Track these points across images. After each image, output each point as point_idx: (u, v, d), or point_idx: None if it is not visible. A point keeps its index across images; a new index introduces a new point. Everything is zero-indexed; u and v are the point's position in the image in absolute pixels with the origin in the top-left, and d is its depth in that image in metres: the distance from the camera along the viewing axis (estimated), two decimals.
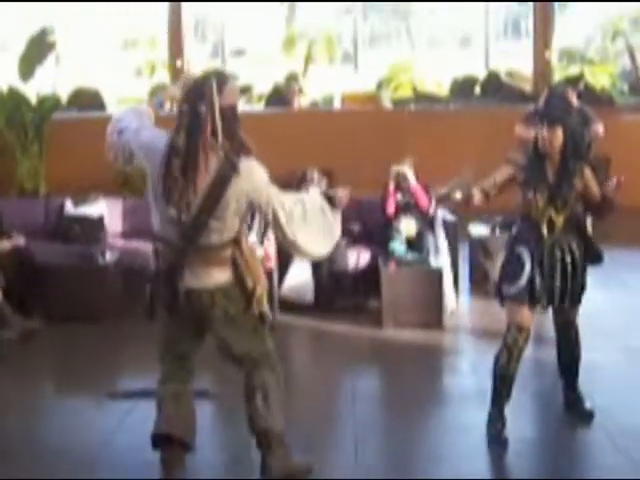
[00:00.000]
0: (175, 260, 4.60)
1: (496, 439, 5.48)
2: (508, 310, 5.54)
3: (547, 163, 5.46)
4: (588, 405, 5.85)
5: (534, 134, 5.51)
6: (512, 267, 5.51)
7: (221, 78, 4.51)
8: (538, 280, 5.44)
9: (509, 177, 5.57)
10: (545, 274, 5.44)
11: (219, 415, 6.24)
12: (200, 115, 4.42)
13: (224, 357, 4.94)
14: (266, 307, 4.83)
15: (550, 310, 5.76)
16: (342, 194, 4.83)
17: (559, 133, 5.38)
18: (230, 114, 4.48)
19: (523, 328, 5.47)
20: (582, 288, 5.60)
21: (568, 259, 5.48)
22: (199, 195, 4.45)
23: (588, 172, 5.52)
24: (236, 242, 4.62)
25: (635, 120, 12.98)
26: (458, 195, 5.54)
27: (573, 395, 5.90)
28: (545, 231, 5.45)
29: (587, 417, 5.80)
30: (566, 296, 5.52)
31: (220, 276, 4.63)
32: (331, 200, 4.81)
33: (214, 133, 4.43)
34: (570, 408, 5.90)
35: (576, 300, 5.61)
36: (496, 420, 5.53)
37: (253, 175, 4.52)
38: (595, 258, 5.67)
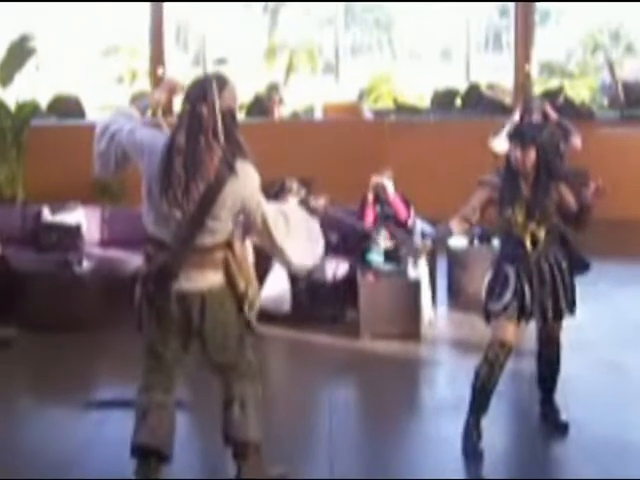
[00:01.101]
0: (168, 261, 4.56)
1: (472, 451, 5.48)
2: (493, 325, 5.55)
3: (521, 179, 5.48)
4: (563, 417, 5.87)
5: (507, 152, 5.54)
6: (498, 285, 5.53)
7: (221, 80, 4.51)
8: (528, 296, 5.45)
9: (487, 199, 5.60)
10: (535, 289, 5.46)
11: (193, 425, 6.20)
12: (201, 116, 4.41)
13: (209, 364, 4.90)
14: (254, 314, 4.81)
15: (530, 322, 5.76)
16: (319, 203, 4.86)
17: (532, 153, 5.41)
18: (229, 117, 4.46)
19: (506, 344, 5.47)
20: (573, 298, 5.62)
21: (556, 271, 5.52)
22: (198, 194, 4.44)
23: (562, 185, 5.54)
24: (228, 244, 4.62)
25: (614, 134, 13.03)
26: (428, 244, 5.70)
27: (549, 407, 5.93)
28: (529, 246, 5.47)
29: (562, 429, 5.81)
30: (560, 308, 5.55)
31: (213, 278, 4.61)
32: (310, 209, 4.83)
33: (215, 134, 4.42)
34: (546, 419, 5.92)
35: (569, 311, 5.63)
36: (472, 432, 5.53)
37: (248, 177, 4.53)
38: (582, 267, 5.70)
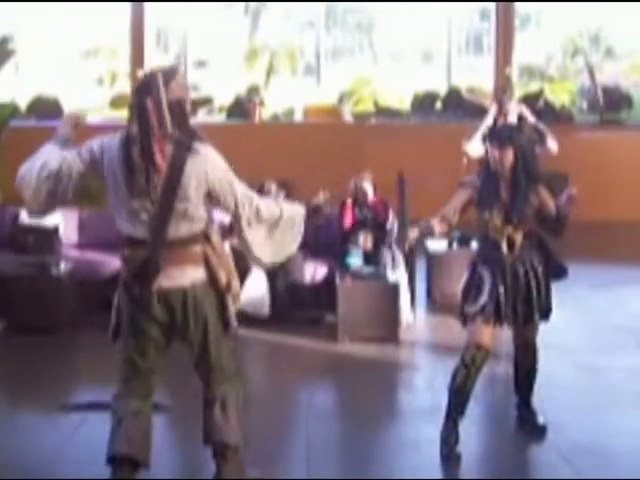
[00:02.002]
0: (146, 259, 4.52)
1: (449, 454, 5.47)
2: (469, 328, 5.54)
3: (500, 182, 5.47)
4: (541, 421, 5.87)
5: (485, 154, 5.54)
6: (474, 287, 5.52)
7: (168, 73, 4.54)
8: (502, 299, 5.45)
9: (468, 200, 5.59)
10: (509, 293, 5.46)
11: (170, 428, 6.17)
12: (146, 109, 4.44)
13: (192, 364, 4.86)
14: (234, 312, 4.79)
15: (506, 327, 5.76)
16: (320, 199, 4.92)
17: (510, 153, 5.39)
18: (177, 107, 4.49)
19: (482, 347, 5.46)
20: (548, 304, 5.62)
21: (531, 275, 5.51)
22: (161, 179, 4.44)
23: (543, 189, 5.54)
24: (206, 237, 4.60)
25: (593, 137, 13.10)
26: (414, 234, 5.56)
27: (526, 411, 5.92)
28: (505, 249, 5.47)
29: (539, 432, 5.81)
30: (532, 313, 5.54)
31: (193, 274, 4.57)
32: (317, 210, 4.90)
33: (161, 126, 4.43)
34: (523, 423, 5.91)
35: (542, 316, 5.62)
36: (450, 435, 5.52)
37: (210, 156, 4.55)
38: (559, 272, 5.70)
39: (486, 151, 5.56)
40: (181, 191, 4.46)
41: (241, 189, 4.67)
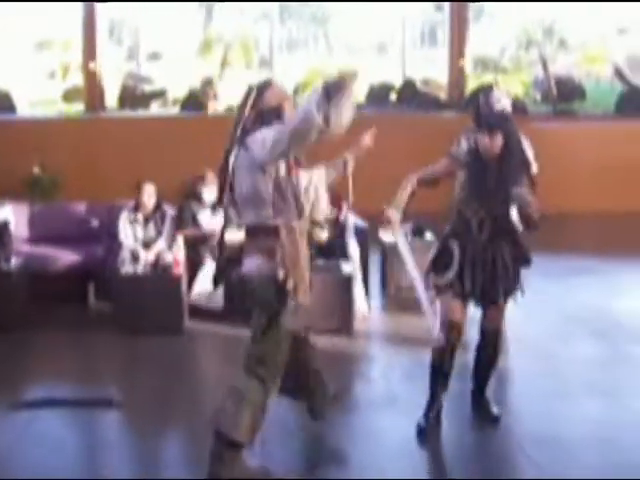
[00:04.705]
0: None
1: (425, 432, 5.62)
2: (440, 306, 5.61)
3: (488, 167, 5.49)
4: (495, 410, 5.90)
5: (473, 141, 5.54)
6: (443, 259, 5.60)
7: (262, 85, 4.94)
8: (468, 276, 5.52)
9: (446, 171, 5.64)
10: (476, 272, 5.53)
11: (126, 425, 6.11)
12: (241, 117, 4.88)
13: None
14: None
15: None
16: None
17: (499, 138, 5.43)
18: (273, 114, 4.87)
19: (454, 324, 5.55)
20: (514, 288, 5.67)
21: (499, 258, 5.57)
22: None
23: (526, 181, 5.57)
24: (275, 231, 4.79)
25: (547, 128, 13.15)
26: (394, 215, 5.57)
27: (481, 399, 5.95)
28: (476, 231, 5.53)
29: (493, 421, 5.84)
30: (497, 295, 5.60)
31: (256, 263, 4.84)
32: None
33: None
34: (477, 411, 5.94)
35: (507, 299, 5.68)
36: (432, 409, 5.67)
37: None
38: (523, 262, 5.73)
39: (474, 138, 5.55)
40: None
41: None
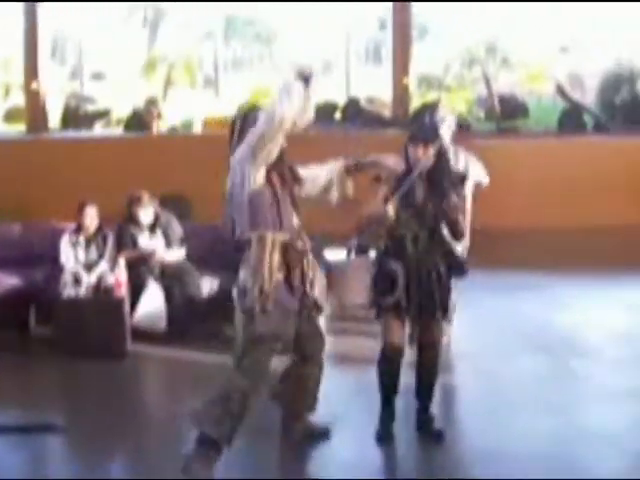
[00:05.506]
0: None
1: (386, 436, 5.71)
2: (382, 326, 5.64)
3: (417, 181, 5.52)
4: (439, 427, 5.89)
5: (404, 154, 5.59)
6: (383, 280, 5.60)
7: (246, 109, 5.39)
8: (405, 294, 5.54)
9: (377, 175, 5.66)
10: (412, 289, 5.54)
11: (69, 451, 6.02)
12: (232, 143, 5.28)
13: None
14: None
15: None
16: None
17: (432, 152, 5.50)
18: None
19: (395, 346, 5.60)
20: (447, 303, 5.72)
21: (434, 274, 5.59)
22: None
23: (455, 197, 5.61)
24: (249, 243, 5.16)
25: (491, 145, 13.23)
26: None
27: (424, 416, 5.93)
28: (410, 246, 5.54)
29: (437, 438, 5.83)
30: (434, 310, 5.63)
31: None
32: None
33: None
34: (421, 429, 5.92)
35: (443, 314, 5.72)
36: (386, 422, 5.76)
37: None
38: (458, 271, 5.77)
39: (406, 151, 5.60)
40: None
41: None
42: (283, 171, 5.25)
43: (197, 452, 5.15)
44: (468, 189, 7.71)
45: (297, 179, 5.38)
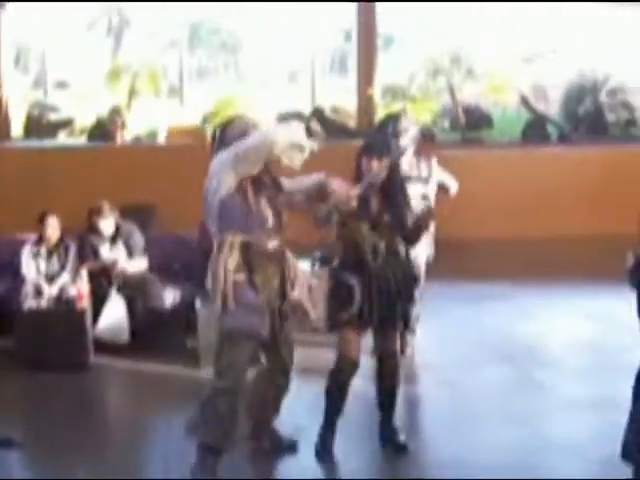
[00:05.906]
0: None
1: (325, 453, 5.69)
2: (338, 340, 5.60)
3: (371, 192, 5.53)
4: (402, 438, 5.87)
5: (357, 165, 5.59)
6: (340, 294, 5.55)
7: (225, 122, 5.49)
8: (366, 306, 5.50)
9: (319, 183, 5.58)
10: (374, 300, 5.51)
11: (29, 465, 5.94)
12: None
13: None
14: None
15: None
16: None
17: (385, 164, 5.52)
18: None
19: (351, 361, 5.56)
20: (409, 314, 5.76)
21: (393, 285, 5.57)
22: None
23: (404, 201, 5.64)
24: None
25: (455, 156, 13.26)
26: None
27: (388, 428, 5.90)
28: (370, 258, 5.51)
29: (401, 450, 5.81)
30: (394, 321, 5.62)
31: None
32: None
33: None
34: (385, 441, 5.89)
35: (405, 325, 5.77)
36: (326, 437, 5.71)
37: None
38: (412, 280, 5.80)
39: (360, 162, 5.61)
40: None
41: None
42: (261, 178, 5.24)
43: (197, 460, 5.27)
44: (432, 191, 7.74)
45: (278, 186, 5.38)
